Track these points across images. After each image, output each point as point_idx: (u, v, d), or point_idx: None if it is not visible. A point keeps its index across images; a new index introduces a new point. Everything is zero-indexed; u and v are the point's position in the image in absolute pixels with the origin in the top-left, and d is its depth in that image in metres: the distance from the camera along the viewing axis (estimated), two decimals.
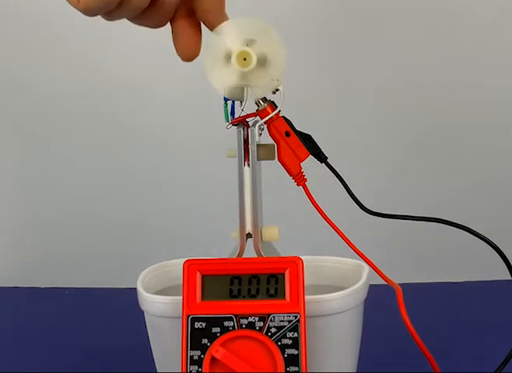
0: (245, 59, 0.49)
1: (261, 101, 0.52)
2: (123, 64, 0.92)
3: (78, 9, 0.48)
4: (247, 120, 0.53)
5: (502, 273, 0.56)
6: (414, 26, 0.93)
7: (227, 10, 0.51)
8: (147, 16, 0.50)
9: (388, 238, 0.93)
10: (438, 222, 0.55)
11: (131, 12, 0.49)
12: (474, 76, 0.94)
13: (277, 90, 0.51)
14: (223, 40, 0.49)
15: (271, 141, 0.53)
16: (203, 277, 0.50)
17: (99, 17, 0.49)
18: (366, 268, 0.55)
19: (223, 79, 0.50)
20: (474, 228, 0.55)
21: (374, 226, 0.75)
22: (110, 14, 0.49)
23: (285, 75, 0.50)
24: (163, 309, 0.52)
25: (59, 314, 0.88)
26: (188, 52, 0.51)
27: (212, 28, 0.51)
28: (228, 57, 0.49)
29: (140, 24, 0.51)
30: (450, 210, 0.84)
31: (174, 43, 0.52)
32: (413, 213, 0.56)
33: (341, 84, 0.95)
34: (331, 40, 0.94)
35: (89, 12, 0.48)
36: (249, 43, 0.50)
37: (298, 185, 0.53)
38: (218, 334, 0.48)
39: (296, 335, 0.47)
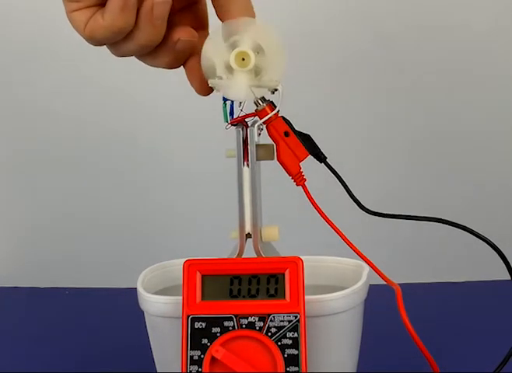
0: (244, 59, 0.49)
1: (259, 101, 0.52)
2: (122, 64, 0.92)
3: (83, 36, 0.47)
4: (246, 120, 0.53)
5: (502, 273, 0.56)
6: (415, 26, 0.93)
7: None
8: (159, 55, 0.49)
9: (388, 238, 0.93)
10: (438, 222, 0.55)
11: (141, 48, 0.47)
12: (477, 78, 0.94)
13: (276, 90, 0.51)
14: (211, 54, 0.49)
15: (270, 141, 0.53)
16: (203, 277, 0.50)
17: None
18: (366, 268, 0.55)
19: (238, 87, 0.49)
20: (474, 228, 0.55)
21: (374, 226, 0.75)
22: (117, 47, 0.47)
23: (285, 75, 0.50)
24: (163, 309, 0.52)
25: (59, 314, 0.88)
26: (204, 88, 0.50)
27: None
28: (227, 67, 0.49)
29: (152, 64, 0.50)
30: (450, 210, 0.84)
31: (189, 79, 0.50)
32: (413, 213, 0.56)
33: (341, 83, 0.95)
34: (331, 39, 0.94)
35: (94, 40, 0.46)
36: (234, 44, 0.49)
37: (297, 185, 0.53)
38: (218, 334, 0.48)
39: (296, 335, 0.47)
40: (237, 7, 0.49)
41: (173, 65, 0.50)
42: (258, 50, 0.49)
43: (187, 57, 0.50)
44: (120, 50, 0.48)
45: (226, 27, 0.49)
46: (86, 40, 0.47)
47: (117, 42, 0.47)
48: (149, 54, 0.49)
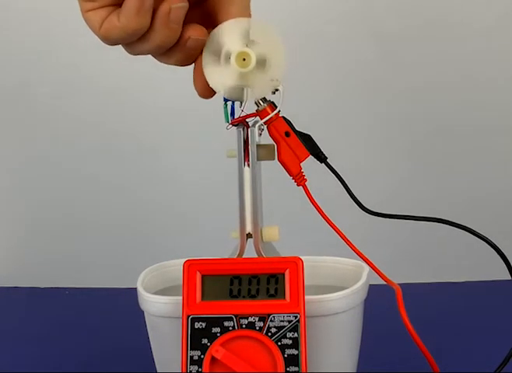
0: (244, 59, 0.49)
1: (260, 101, 0.52)
2: (123, 65, 0.93)
3: (98, 36, 0.47)
4: (247, 120, 0.53)
5: (502, 273, 0.56)
6: (415, 25, 0.93)
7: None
8: (171, 53, 0.49)
9: (388, 238, 0.93)
10: (438, 222, 0.55)
11: (156, 49, 0.48)
12: (477, 78, 0.94)
13: (277, 90, 0.51)
14: (223, 39, 0.49)
15: (271, 141, 0.53)
16: (203, 277, 0.50)
17: None
18: (366, 268, 0.55)
19: (222, 79, 0.50)
20: (474, 228, 0.55)
21: (374, 226, 0.75)
22: (132, 47, 0.48)
23: (286, 75, 0.50)
24: (163, 309, 0.52)
25: (59, 314, 0.88)
26: (207, 91, 0.51)
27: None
28: (227, 57, 0.49)
29: (165, 62, 0.50)
30: (450, 210, 0.84)
31: (194, 80, 0.51)
32: (413, 213, 0.56)
33: (342, 84, 0.95)
34: (331, 39, 0.94)
35: (109, 40, 0.47)
36: (249, 43, 0.49)
37: (298, 185, 0.53)
38: (218, 334, 0.48)
39: (296, 335, 0.47)
40: (236, 9, 0.49)
41: (184, 63, 0.50)
42: (264, 58, 0.49)
43: (197, 55, 0.50)
44: (136, 49, 0.48)
45: (251, 24, 0.49)
46: (101, 40, 0.47)
47: (133, 42, 0.47)
48: (164, 52, 0.49)
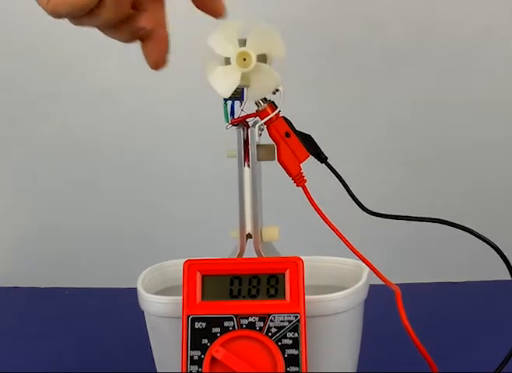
0: (245, 59, 0.49)
1: (260, 101, 0.52)
2: (122, 65, 0.92)
3: (46, 10, 0.47)
4: (247, 120, 0.53)
5: (502, 273, 0.56)
6: (415, 26, 0.93)
7: (232, 11, 0.50)
8: (119, 31, 0.49)
9: (388, 239, 0.93)
10: (438, 223, 0.55)
11: (104, 24, 0.48)
12: (477, 77, 0.94)
13: (277, 90, 0.51)
14: (220, 45, 0.49)
15: (271, 141, 0.53)
16: (203, 277, 0.50)
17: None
18: (366, 268, 0.55)
19: (228, 82, 0.50)
20: (474, 229, 0.55)
21: (374, 226, 0.75)
22: (79, 20, 0.48)
23: (286, 75, 0.50)
24: (163, 309, 0.52)
25: (59, 314, 0.88)
26: (159, 63, 0.50)
27: (212, 15, 0.49)
28: (228, 61, 0.49)
29: (110, 36, 0.50)
30: (450, 210, 0.84)
31: (144, 54, 0.50)
32: (413, 213, 0.56)
33: (343, 84, 0.95)
34: (332, 39, 0.94)
35: (56, 14, 0.46)
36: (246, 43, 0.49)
37: (298, 186, 0.53)
38: (218, 334, 0.48)
39: (296, 335, 0.47)
40: None
41: (130, 42, 0.50)
42: (264, 58, 0.49)
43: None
44: (82, 23, 0.48)
45: (231, 26, 0.49)
46: (48, 14, 0.47)
47: (81, 16, 0.47)
48: (110, 27, 0.49)
